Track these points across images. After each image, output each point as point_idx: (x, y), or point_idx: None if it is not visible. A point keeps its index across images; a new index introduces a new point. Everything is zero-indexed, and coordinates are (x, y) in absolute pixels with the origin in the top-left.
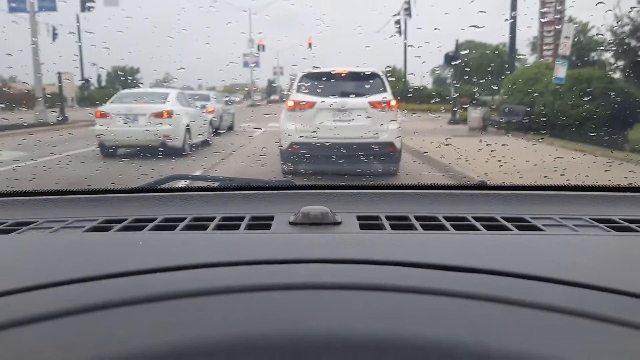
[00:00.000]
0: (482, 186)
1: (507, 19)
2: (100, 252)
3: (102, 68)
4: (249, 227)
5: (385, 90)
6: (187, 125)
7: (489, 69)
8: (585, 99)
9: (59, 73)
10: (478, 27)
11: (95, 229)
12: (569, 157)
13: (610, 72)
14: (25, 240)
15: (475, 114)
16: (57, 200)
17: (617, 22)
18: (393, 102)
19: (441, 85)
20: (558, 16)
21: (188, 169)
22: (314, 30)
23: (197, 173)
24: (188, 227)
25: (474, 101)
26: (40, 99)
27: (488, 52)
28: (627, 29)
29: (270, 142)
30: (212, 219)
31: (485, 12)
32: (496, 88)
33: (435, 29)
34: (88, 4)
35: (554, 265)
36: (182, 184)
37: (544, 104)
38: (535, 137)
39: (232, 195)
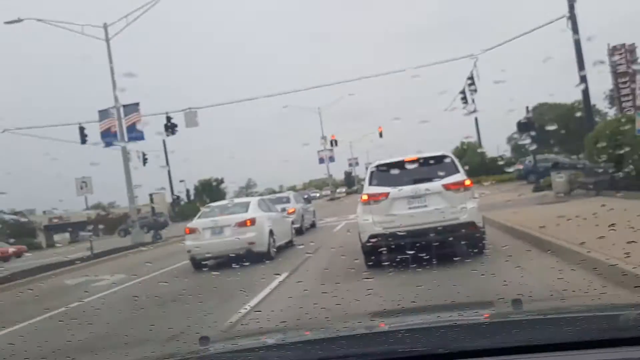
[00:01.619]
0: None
1: (576, 73)
2: None
3: (195, 181)
4: None
5: (457, 171)
6: (271, 230)
7: (566, 129)
8: None
9: (151, 194)
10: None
11: None
12: None
13: None
14: None
15: (559, 179)
16: None
17: None
18: (467, 182)
19: (519, 151)
20: (631, 67)
21: (274, 272)
22: (383, 117)
23: (284, 275)
24: None
25: (557, 165)
26: (136, 221)
27: (564, 111)
28: None
29: (353, 234)
30: None
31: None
32: (574, 146)
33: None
34: (171, 129)
35: None
36: None
37: (632, 159)
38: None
39: None
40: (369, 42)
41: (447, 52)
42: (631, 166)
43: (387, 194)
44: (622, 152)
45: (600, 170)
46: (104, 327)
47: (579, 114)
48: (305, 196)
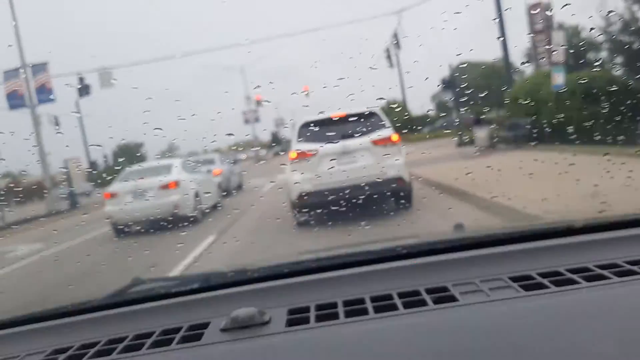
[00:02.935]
0: (408, 255)
1: (498, 37)
2: None
3: (114, 144)
4: (183, 339)
5: (385, 127)
6: (196, 192)
7: (487, 86)
8: (589, 100)
9: (65, 160)
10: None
11: None
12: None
13: (609, 70)
14: None
15: (481, 134)
16: (6, 336)
17: (606, 21)
18: (395, 137)
19: (444, 109)
20: (547, 24)
21: (202, 236)
22: (308, 76)
23: (211, 238)
24: (125, 349)
25: (479, 121)
26: (50, 189)
27: (484, 68)
28: (616, 27)
29: (281, 195)
30: (151, 335)
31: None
32: (495, 102)
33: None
34: (85, 90)
35: (465, 338)
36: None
37: (548, 113)
38: (547, 148)
39: (175, 305)
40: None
41: (374, 8)
42: (548, 119)
43: (316, 151)
44: (537, 106)
45: (518, 125)
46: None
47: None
48: (232, 158)
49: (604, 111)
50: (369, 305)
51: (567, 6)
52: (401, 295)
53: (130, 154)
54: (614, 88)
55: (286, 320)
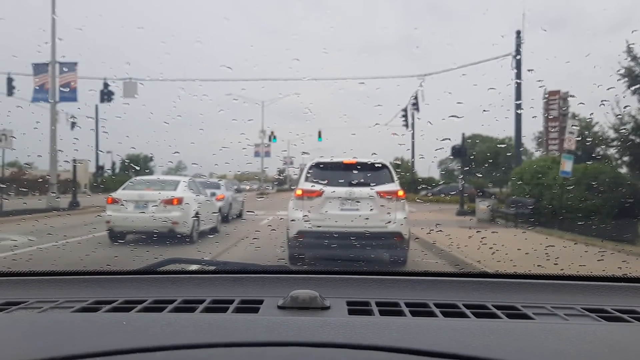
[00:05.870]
0: (475, 274)
1: (513, 111)
2: (84, 332)
3: (118, 155)
4: (238, 310)
5: (392, 181)
6: (197, 213)
7: (493, 161)
8: (593, 193)
9: (74, 160)
10: (458, 117)
11: (83, 310)
12: (581, 251)
13: (616, 167)
14: (12, 319)
15: (482, 206)
16: (50, 281)
17: (619, 120)
18: (400, 192)
19: (449, 175)
20: (562, 113)
21: (194, 256)
22: (323, 121)
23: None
24: (176, 309)
25: (481, 193)
26: (54, 185)
27: (494, 145)
28: (629, 126)
29: (279, 229)
30: (201, 302)
31: (488, 111)
32: (499, 178)
33: (444, 118)
34: (108, 96)
35: (540, 353)
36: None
37: (551, 197)
38: (544, 229)
39: (224, 279)
40: (323, 48)
41: (398, 69)
42: (550, 203)
43: (321, 193)
44: (541, 189)
45: (521, 204)
46: None
47: (508, 153)
48: (236, 186)
49: (606, 205)
50: (433, 308)
51: (582, 104)
52: (467, 306)
53: (138, 165)
54: (619, 186)
55: (347, 310)
